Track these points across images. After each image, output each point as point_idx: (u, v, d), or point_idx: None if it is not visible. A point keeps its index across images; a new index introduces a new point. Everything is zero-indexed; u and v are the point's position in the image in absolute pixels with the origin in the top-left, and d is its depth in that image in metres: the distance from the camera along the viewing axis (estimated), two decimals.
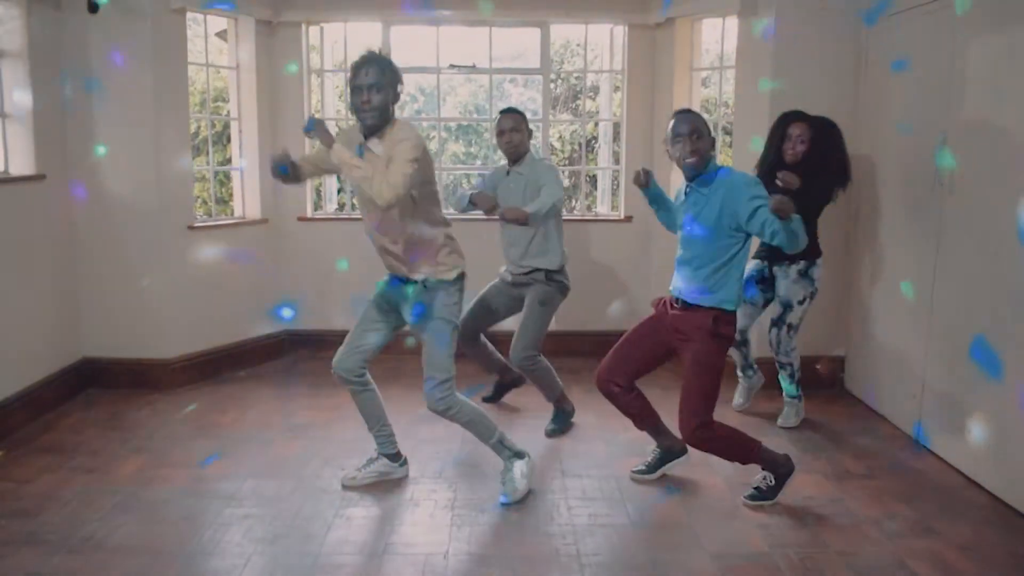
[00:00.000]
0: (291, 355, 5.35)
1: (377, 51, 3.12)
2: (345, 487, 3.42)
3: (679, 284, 3.25)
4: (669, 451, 3.55)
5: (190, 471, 3.56)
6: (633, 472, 3.55)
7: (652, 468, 3.55)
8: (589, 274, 5.27)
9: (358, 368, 3.34)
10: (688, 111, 3.18)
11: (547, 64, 5.40)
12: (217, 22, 5.18)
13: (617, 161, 5.57)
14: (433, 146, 5.62)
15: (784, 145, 3.97)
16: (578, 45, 9.36)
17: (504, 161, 4.17)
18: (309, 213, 5.41)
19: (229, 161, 5.91)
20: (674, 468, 3.59)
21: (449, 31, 5.43)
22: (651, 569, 2.83)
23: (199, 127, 6.58)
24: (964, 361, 3.57)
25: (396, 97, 3.12)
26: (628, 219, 5.38)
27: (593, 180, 6.00)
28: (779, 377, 4.27)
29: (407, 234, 3.14)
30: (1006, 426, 3.30)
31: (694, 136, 3.05)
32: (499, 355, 4.37)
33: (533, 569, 2.82)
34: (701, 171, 3.12)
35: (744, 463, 3.33)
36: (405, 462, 3.55)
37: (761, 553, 2.93)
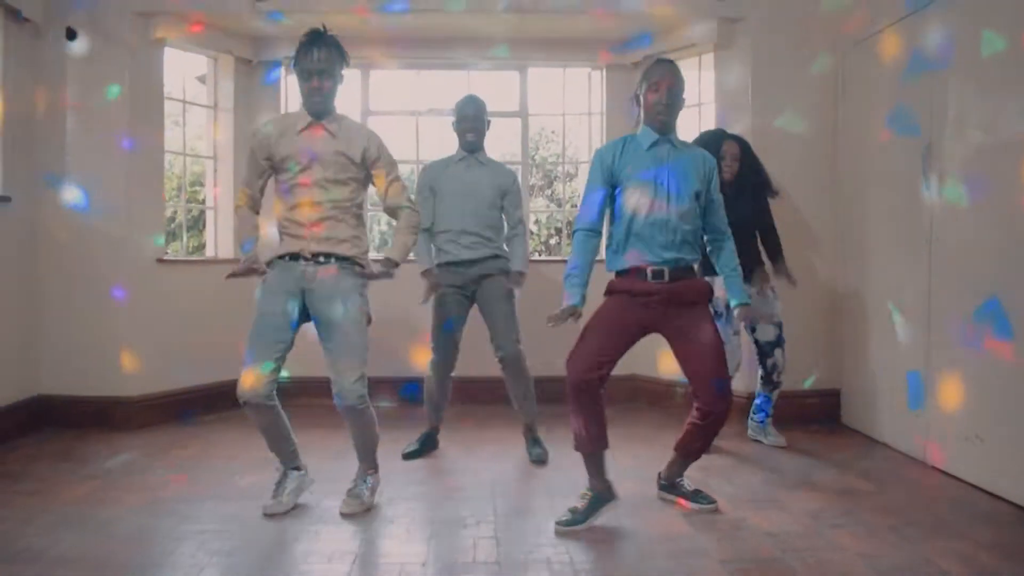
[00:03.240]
0: None
1: (323, 29, 3.05)
2: (267, 515, 3.02)
3: (660, 254, 2.95)
4: (602, 494, 3.00)
5: (145, 494, 3.25)
6: (558, 524, 2.90)
7: (585, 516, 2.93)
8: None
9: (270, 392, 2.98)
10: (669, 61, 3.06)
11: (525, 107, 5.41)
12: (197, 65, 5.17)
13: None
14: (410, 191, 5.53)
15: (720, 164, 3.97)
16: (553, 132, 9.48)
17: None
18: None
19: (203, 247, 5.68)
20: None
21: (428, 76, 5.44)
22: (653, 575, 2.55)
23: (175, 212, 6.53)
24: (969, 371, 3.41)
25: (342, 79, 3.10)
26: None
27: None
28: (765, 400, 4.18)
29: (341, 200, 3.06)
30: (1019, 432, 3.11)
31: (672, 90, 2.93)
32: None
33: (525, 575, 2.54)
34: (668, 128, 2.98)
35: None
36: (306, 469, 3.24)
37: (773, 559, 2.66)
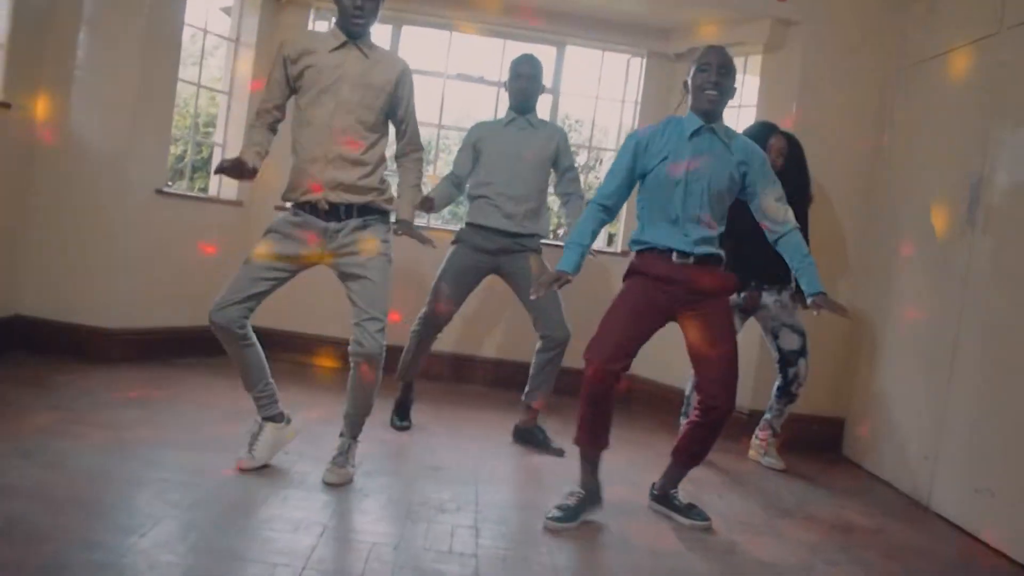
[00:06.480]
0: None
1: None
2: (243, 471, 2.85)
3: (685, 235, 2.80)
4: (592, 495, 2.85)
5: (108, 432, 3.06)
6: (549, 519, 2.74)
7: (575, 514, 2.77)
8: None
9: (241, 319, 2.81)
10: (722, 47, 2.88)
11: (558, 85, 5.20)
12: None
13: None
14: (430, 155, 5.35)
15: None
16: (578, 121, 9.27)
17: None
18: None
19: (206, 190, 5.49)
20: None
21: (461, 39, 5.23)
22: None
23: (185, 150, 6.27)
24: (985, 422, 3.23)
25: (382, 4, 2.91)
26: (624, 253, 5.08)
27: None
28: (777, 414, 3.98)
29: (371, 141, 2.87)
30: None
31: (722, 71, 2.77)
32: None
33: (503, 571, 2.36)
34: (715, 115, 2.81)
35: None
36: (290, 420, 3.02)
37: None
